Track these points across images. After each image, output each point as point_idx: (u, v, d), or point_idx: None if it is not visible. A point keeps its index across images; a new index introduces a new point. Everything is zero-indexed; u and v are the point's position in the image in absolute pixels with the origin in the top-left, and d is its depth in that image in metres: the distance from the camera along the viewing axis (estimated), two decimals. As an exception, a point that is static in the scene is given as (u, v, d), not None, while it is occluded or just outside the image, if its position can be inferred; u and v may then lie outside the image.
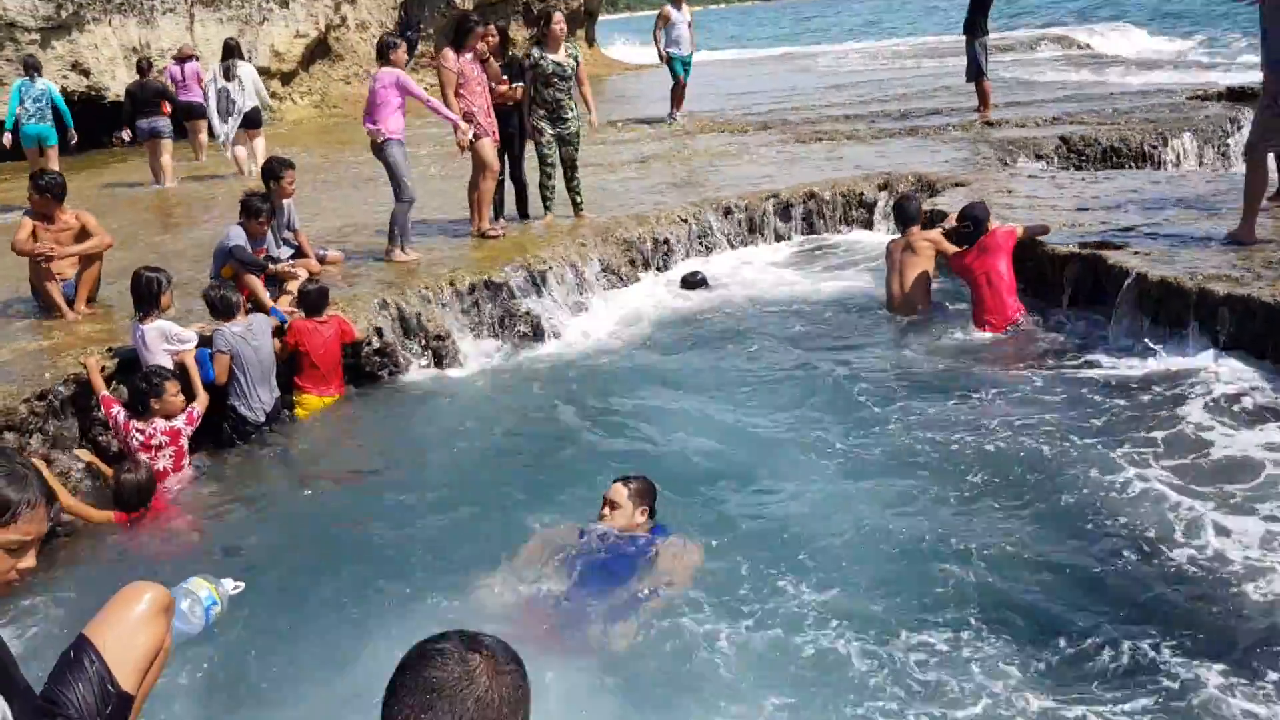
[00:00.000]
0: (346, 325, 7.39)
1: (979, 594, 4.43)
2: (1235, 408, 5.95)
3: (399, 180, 8.70)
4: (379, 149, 8.64)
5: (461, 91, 9.02)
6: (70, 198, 8.02)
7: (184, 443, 6.32)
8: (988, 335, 7.78)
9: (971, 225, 8.06)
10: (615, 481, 4.88)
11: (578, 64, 9.66)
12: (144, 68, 15.00)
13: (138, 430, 6.21)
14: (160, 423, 6.24)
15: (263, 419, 6.89)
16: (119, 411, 6.28)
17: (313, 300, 7.26)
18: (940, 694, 3.84)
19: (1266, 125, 7.22)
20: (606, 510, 4.78)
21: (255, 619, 4.59)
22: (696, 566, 4.61)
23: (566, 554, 4.64)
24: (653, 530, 4.80)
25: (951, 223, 8.70)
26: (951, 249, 8.32)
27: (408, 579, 4.85)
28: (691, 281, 9.37)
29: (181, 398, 6.38)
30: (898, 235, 8.76)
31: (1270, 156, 7.66)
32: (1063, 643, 4.09)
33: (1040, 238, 8.08)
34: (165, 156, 14.28)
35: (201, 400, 6.56)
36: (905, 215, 8.71)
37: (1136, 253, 7.54)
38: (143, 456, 6.11)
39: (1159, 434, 5.82)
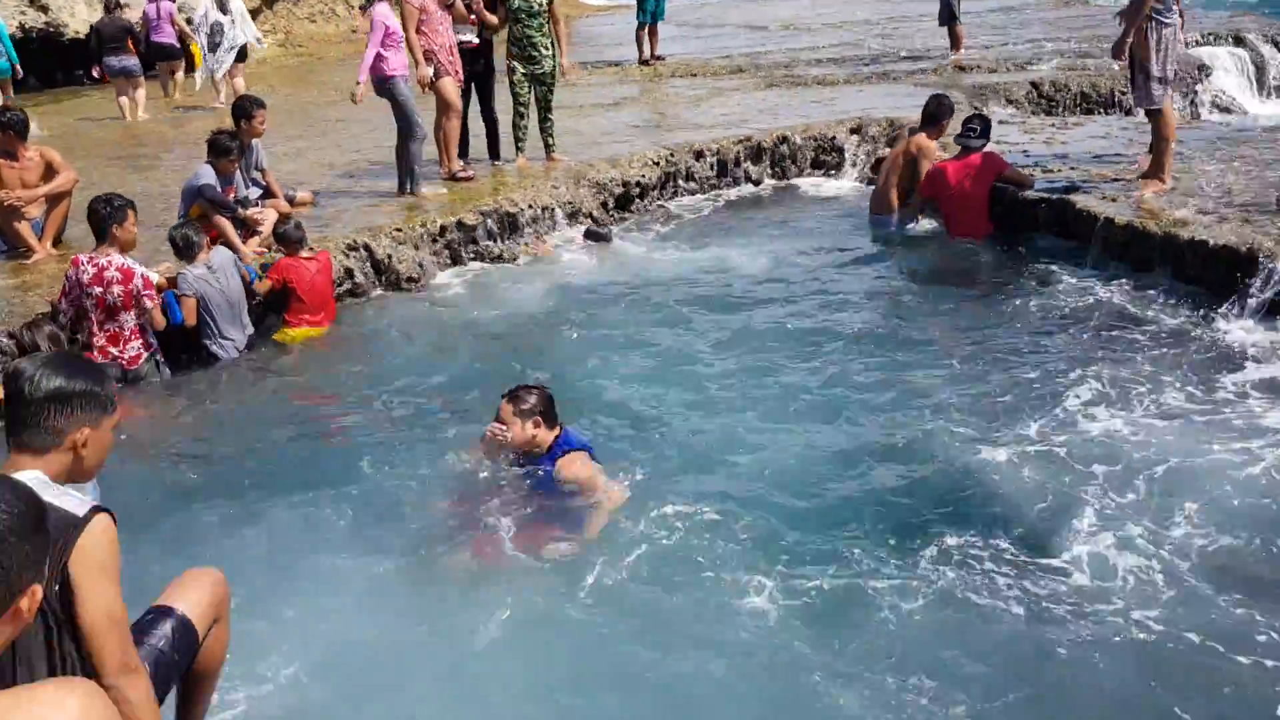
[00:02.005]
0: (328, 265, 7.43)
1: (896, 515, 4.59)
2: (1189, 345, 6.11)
3: (409, 117, 8.65)
4: (383, 88, 8.60)
5: (423, 29, 8.88)
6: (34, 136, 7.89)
7: (135, 288, 6.28)
8: (951, 252, 8.18)
9: (979, 127, 8.16)
10: (502, 399, 4.76)
11: (550, 1, 9.54)
12: (110, 5, 14.80)
13: (90, 264, 6.24)
14: (115, 256, 6.28)
15: (235, 356, 6.87)
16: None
17: (293, 238, 7.23)
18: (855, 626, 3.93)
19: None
20: (500, 428, 4.73)
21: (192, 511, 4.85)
22: (585, 477, 4.63)
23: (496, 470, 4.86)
24: (558, 441, 4.72)
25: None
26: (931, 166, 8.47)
27: (342, 479, 5.06)
28: (595, 234, 8.96)
29: (136, 231, 6.49)
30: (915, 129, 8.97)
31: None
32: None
33: (1011, 183, 8.17)
34: (139, 92, 14.27)
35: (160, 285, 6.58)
36: (929, 115, 8.75)
37: (1105, 197, 7.64)
38: (95, 289, 6.17)
39: (1096, 358, 6.01)
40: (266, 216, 7.78)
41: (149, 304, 6.40)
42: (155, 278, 6.60)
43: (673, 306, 7.39)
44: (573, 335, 6.99)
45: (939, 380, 5.87)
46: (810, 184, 10.73)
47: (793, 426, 5.46)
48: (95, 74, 14.29)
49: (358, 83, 8.63)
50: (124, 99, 14.12)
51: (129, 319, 6.33)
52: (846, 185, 10.59)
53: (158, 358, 6.56)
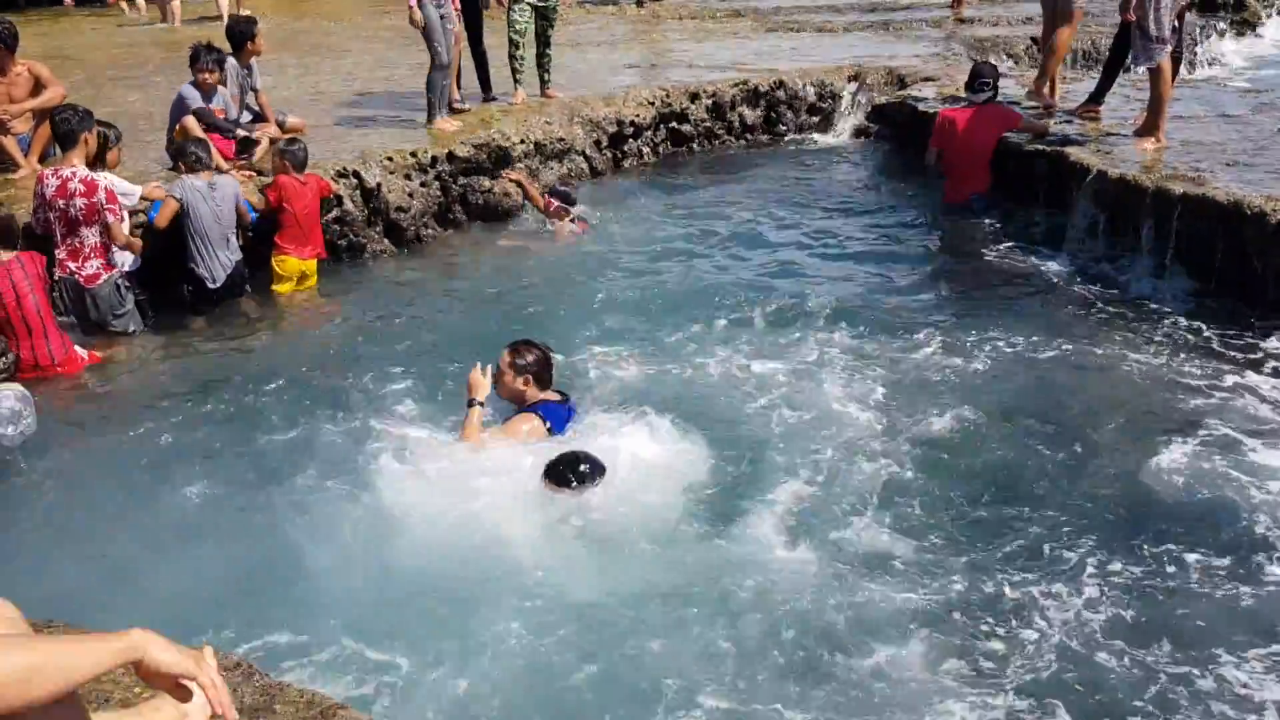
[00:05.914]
0: (325, 182, 7.39)
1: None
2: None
3: (430, 44, 8.45)
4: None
5: None
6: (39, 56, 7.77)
7: (98, 201, 6.19)
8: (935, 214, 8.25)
9: (991, 79, 8.15)
10: (505, 348, 4.87)
11: None
12: None
13: (54, 176, 6.20)
14: (80, 168, 6.23)
15: (221, 283, 6.79)
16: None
17: (299, 158, 7.16)
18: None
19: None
20: (498, 374, 4.85)
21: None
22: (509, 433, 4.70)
23: None
24: (540, 403, 4.79)
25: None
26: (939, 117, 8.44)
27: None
28: (562, 194, 8.43)
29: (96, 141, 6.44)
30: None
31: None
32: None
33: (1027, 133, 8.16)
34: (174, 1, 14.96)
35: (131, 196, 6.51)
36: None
37: (1099, 151, 7.65)
38: (59, 202, 6.13)
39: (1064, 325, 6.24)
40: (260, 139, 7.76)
41: (111, 218, 6.29)
42: (135, 193, 6.54)
43: (657, 269, 7.48)
44: (561, 295, 7.03)
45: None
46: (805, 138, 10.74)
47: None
48: None
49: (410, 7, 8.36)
50: (173, 4, 14.89)
51: (90, 235, 6.24)
52: (842, 139, 10.60)
53: (121, 282, 6.41)
